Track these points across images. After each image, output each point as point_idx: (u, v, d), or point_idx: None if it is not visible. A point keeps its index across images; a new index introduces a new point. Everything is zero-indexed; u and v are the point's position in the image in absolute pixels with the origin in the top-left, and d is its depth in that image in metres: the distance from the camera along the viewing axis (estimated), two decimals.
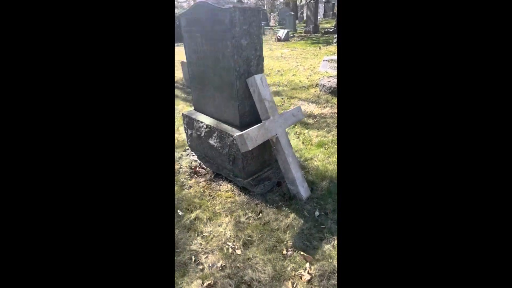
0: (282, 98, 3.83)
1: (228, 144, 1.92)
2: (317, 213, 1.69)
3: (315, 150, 2.46)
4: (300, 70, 5.43)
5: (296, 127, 2.96)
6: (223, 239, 1.51)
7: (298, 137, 2.74)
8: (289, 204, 1.77)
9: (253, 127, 1.62)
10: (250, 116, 1.91)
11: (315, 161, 2.28)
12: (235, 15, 1.59)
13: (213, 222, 1.65)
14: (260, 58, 1.82)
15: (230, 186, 2.00)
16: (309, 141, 2.64)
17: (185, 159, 2.41)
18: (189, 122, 2.32)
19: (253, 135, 1.59)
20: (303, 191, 1.81)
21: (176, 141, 2.76)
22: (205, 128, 2.14)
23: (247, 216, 1.69)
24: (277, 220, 1.64)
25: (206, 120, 2.15)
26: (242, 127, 1.91)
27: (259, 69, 1.84)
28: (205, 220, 1.67)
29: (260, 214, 1.70)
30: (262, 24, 13.63)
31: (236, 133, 1.87)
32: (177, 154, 2.50)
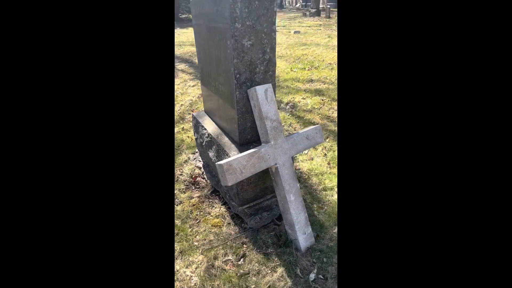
0: (323, 100, 3.30)
1: None
2: (313, 275, 1.29)
3: None
4: None
5: (328, 140, 2.47)
6: None
7: (325, 154, 2.27)
8: (281, 253, 1.40)
9: (240, 155, 1.27)
10: (253, 133, 1.55)
11: (335, 193, 1.83)
12: (235, 7, 1.21)
13: (184, 259, 1.39)
14: (270, 64, 1.41)
15: (222, 209, 1.71)
16: (337, 162, 2.16)
17: (190, 164, 2.19)
18: (196, 125, 2.06)
19: (239, 166, 1.24)
20: (303, 239, 1.42)
21: (190, 139, 2.55)
22: (207, 137, 1.85)
23: (226, 258, 1.39)
24: (259, 274, 1.31)
25: (209, 127, 1.86)
26: (241, 145, 1.57)
27: (268, 77, 1.44)
28: (176, 253, 1.42)
29: (242, 259, 1.38)
30: (329, 6, 12.49)
31: (233, 152, 1.55)
32: (185, 156, 2.30)
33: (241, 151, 1.51)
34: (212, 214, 1.68)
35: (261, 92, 1.34)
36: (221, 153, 1.64)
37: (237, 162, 1.24)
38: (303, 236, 1.42)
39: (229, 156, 1.51)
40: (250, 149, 1.38)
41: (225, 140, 1.67)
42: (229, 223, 1.61)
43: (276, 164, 1.37)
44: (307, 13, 13.31)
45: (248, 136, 1.56)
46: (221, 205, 1.75)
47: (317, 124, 2.76)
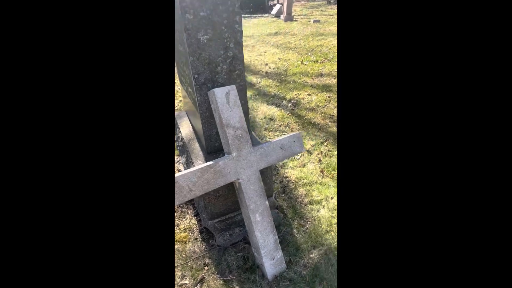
0: (329, 96, 3.01)
1: None
2: None
3: (333, 188, 1.75)
4: None
5: (326, 143, 2.22)
6: None
7: (320, 160, 2.03)
8: (244, 279, 1.23)
9: (191, 170, 1.09)
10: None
11: (323, 208, 1.60)
12: None
13: None
14: (235, 61, 1.21)
15: (193, 222, 1.56)
16: (332, 170, 1.92)
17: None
18: (176, 126, 1.92)
19: (187, 184, 1.07)
20: (271, 265, 1.23)
21: None
22: (181, 141, 1.70)
23: (181, 282, 1.24)
24: None
25: (184, 130, 1.70)
26: (209, 153, 1.40)
27: (234, 77, 1.24)
28: None
29: (199, 284, 1.23)
30: None
31: (199, 161, 1.38)
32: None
33: (207, 160, 1.34)
34: (180, 227, 1.54)
35: (220, 95, 1.14)
36: (189, 161, 1.48)
37: (185, 179, 1.06)
38: (270, 262, 1.23)
39: (194, 166, 1.35)
40: (219, 157, 1.20)
41: (195, 146, 1.50)
42: (196, 239, 1.46)
43: (239, 179, 1.18)
44: (332, 0, 12.61)
45: (216, 144, 1.38)
46: (193, 216, 1.61)
47: (319, 124, 2.51)
